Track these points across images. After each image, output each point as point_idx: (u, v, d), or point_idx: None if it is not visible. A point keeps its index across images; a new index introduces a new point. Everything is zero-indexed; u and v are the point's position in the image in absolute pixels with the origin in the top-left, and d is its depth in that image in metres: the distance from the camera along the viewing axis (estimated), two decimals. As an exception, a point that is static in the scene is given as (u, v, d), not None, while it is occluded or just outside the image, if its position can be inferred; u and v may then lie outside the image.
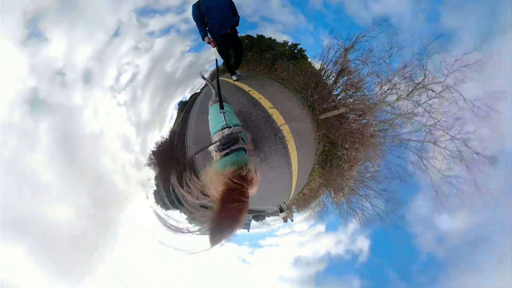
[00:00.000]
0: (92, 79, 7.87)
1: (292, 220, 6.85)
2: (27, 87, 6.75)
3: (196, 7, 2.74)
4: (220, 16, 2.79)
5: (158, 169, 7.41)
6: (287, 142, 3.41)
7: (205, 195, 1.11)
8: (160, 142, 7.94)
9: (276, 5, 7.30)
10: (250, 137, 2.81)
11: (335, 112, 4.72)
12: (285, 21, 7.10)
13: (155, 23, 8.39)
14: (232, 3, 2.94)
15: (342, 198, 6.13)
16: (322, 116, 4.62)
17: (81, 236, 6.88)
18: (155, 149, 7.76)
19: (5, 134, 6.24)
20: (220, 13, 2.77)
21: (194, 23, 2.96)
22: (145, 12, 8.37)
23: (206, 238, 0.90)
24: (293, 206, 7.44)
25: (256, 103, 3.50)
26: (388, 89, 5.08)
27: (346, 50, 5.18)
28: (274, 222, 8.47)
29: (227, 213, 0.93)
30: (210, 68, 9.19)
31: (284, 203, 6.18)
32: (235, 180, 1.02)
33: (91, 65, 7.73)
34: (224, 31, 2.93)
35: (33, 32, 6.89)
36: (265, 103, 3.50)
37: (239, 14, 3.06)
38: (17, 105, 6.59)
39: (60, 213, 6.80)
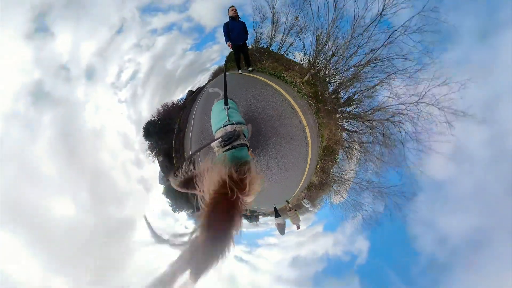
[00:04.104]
0: (94, 75, 7.97)
1: (298, 227, 6.03)
2: (32, 80, 6.86)
3: (226, 25, 4.46)
4: (237, 34, 4.54)
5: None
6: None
7: (192, 184, 1.01)
8: (171, 104, 7.92)
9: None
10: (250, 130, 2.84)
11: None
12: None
13: (157, 21, 8.55)
14: (245, 27, 4.59)
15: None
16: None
17: (79, 229, 6.84)
18: (165, 108, 7.73)
19: (9, 124, 6.31)
20: (237, 32, 4.52)
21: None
22: (148, 10, 8.54)
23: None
24: (305, 200, 6.83)
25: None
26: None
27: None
28: (272, 221, 8.43)
29: (214, 232, 0.80)
30: (211, 66, 9.32)
31: (287, 201, 5.69)
32: (230, 183, 0.89)
33: (94, 61, 7.85)
34: (238, 43, 4.68)
35: (40, 26, 7.02)
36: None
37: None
38: (22, 96, 6.68)
39: (59, 206, 6.78)
